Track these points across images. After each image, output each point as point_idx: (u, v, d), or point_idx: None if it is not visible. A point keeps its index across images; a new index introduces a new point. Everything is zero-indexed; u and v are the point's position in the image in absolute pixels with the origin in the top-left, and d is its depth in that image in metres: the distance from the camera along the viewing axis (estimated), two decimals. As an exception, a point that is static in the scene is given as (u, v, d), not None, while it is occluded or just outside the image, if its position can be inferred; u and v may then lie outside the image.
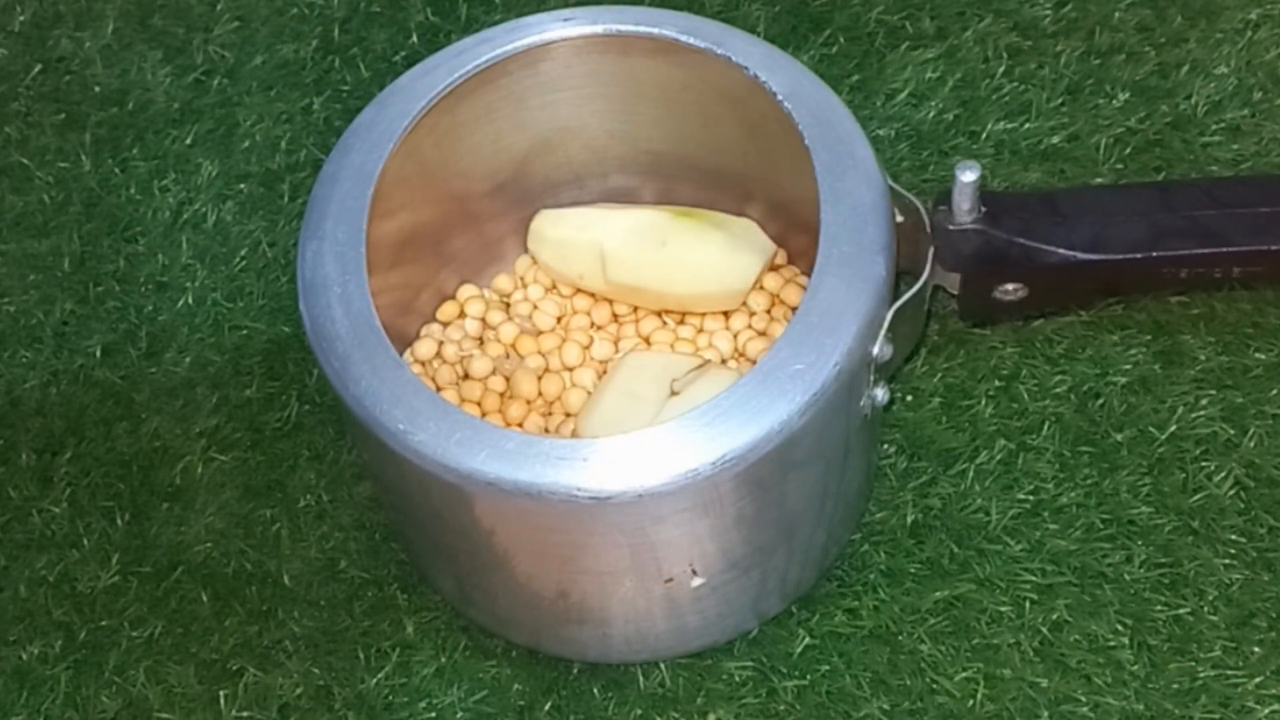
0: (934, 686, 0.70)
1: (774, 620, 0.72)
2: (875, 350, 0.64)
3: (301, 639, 0.73)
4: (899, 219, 0.68)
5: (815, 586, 0.72)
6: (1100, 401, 0.75)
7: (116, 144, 0.87)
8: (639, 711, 0.70)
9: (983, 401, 0.76)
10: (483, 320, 0.76)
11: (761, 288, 0.75)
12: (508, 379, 0.74)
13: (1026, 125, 0.83)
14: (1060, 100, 0.84)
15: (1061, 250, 0.72)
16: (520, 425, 0.73)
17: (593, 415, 0.71)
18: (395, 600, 0.73)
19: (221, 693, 0.72)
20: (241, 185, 0.85)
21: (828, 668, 0.70)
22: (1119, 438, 0.74)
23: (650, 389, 0.72)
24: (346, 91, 0.88)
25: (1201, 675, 0.69)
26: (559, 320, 0.76)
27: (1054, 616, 0.71)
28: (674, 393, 0.72)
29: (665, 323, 0.76)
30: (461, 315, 0.77)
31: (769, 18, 0.88)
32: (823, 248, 0.63)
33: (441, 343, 0.75)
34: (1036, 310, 0.77)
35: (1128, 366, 0.76)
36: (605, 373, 0.74)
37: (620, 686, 0.71)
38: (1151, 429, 0.74)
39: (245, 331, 0.81)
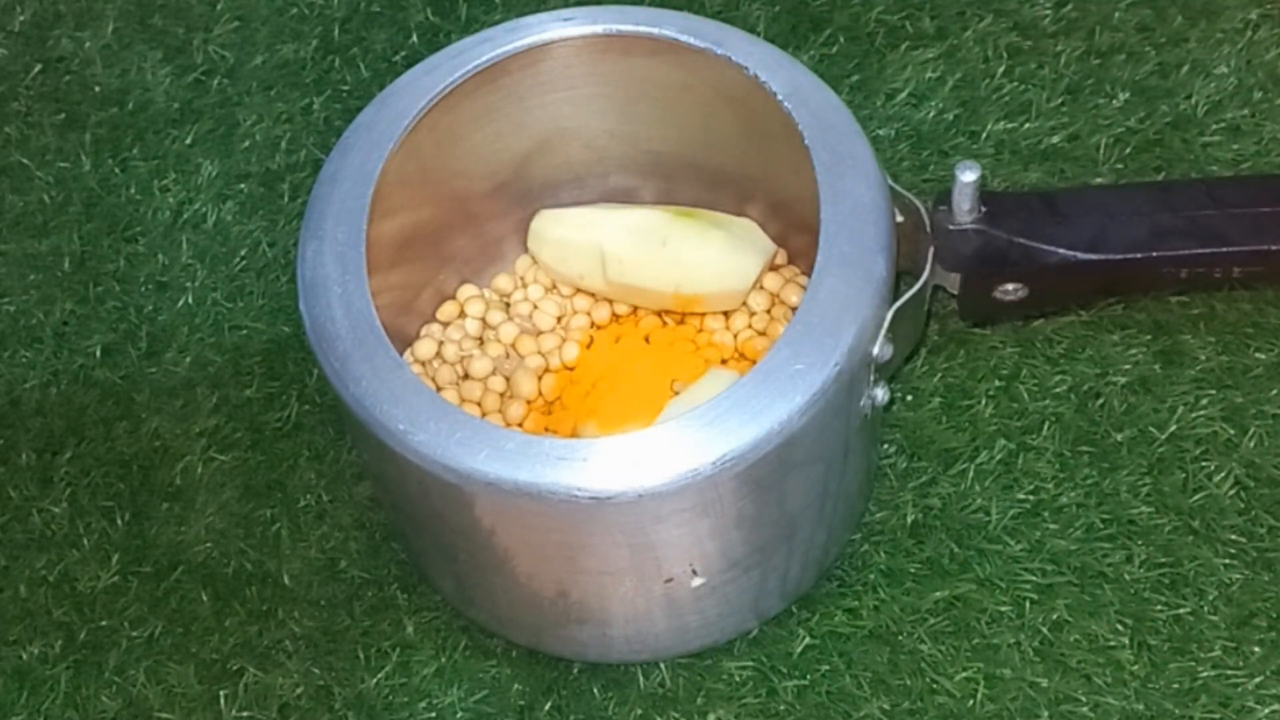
0: (934, 686, 0.70)
1: (774, 620, 0.72)
2: (875, 350, 0.64)
3: (301, 639, 0.73)
4: (899, 219, 0.68)
5: (815, 586, 0.72)
6: (1100, 401, 0.75)
7: (116, 144, 0.87)
8: (639, 711, 0.70)
9: (983, 401, 0.76)
10: (483, 320, 0.77)
11: (761, 288, 0.75)
12: (508, 379, 0.74)
13: (1026, 125, 0.83)
14: (1060, 100, 0.84)
15: (1061, 250, 0.72)
16: (520, 425, 0.73)
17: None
18: (395, 600, 0.73)
19: (221, 693, 0.72)
20: (241, 185, 0.85)
21: (828, 668, 0.70)
22: (1119, 438, 0.74)
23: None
24: (346, 91, 0.88)
25: (1201, 675, 0.69)
26: (559, 320, 0.76)
27: (1054, 616, 0.71)
28: (674, 393, 0.72)
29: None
30: (461, 315, 0.77)
31: (769, 18, 0.88)
32: (823, 248, 0.63)
33: (441, 343, 0.75)
34: (1036, 310, 0.77)
35: (1128, 366, 0.76)
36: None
37: (620, 686, 0.71)
38: (1151, 429, 0.74)
39: (245, 331, 0.81)
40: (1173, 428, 0.74)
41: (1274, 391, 0.75)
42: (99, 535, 0.76)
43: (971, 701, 0.69)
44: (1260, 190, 0.76)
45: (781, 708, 0.70)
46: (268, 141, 0.86)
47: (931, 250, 0.71)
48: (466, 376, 0.74)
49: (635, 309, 0.76)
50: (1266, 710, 0.68)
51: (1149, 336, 0.77)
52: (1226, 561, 0.71)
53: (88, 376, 0.80)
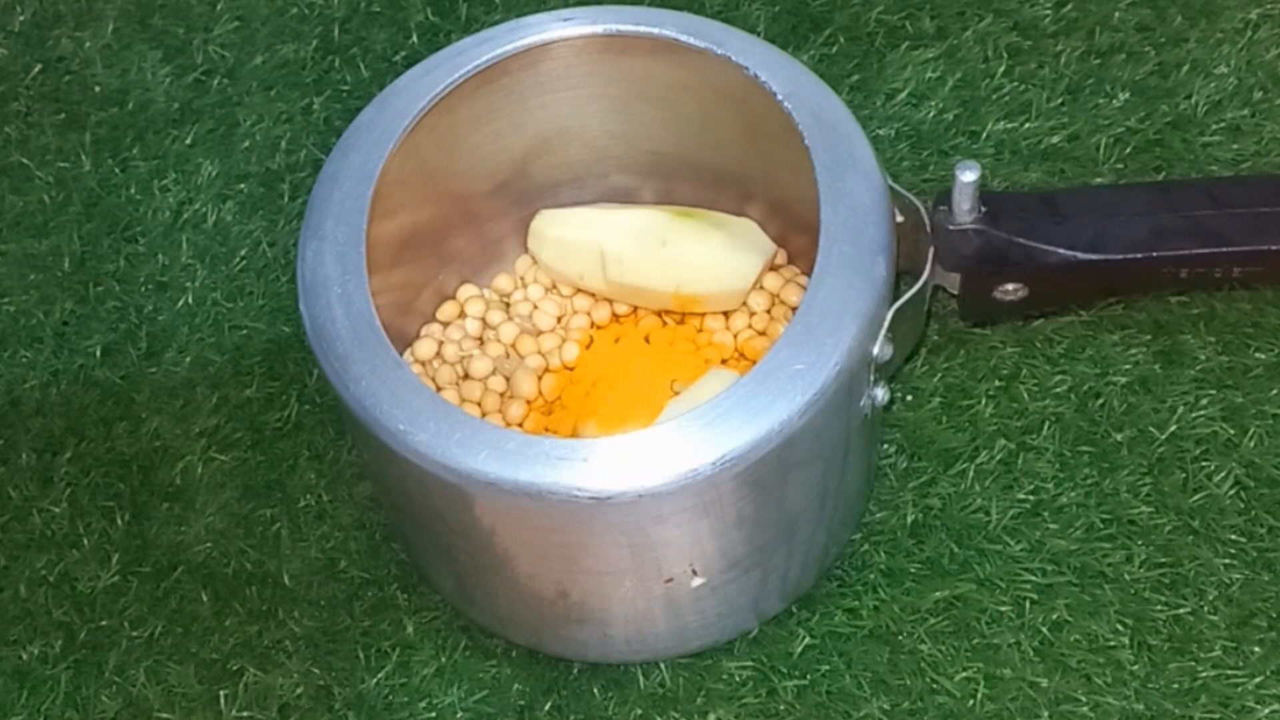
0: (934, 686, 0.70)
1: (774, 620, 0.72)
2: (875, 350, 0.64)
3: (301, 639, 0.73)
4: (899, 219, 0.68)
5: (815, 586, 0.72)
6: (1100, 401, 0.75)
7: (116, 144, 0.87)
8: (639, 711, 0.70)
9: (983, 401, 0.76)
10: (483, 320, 0.76)
11: (761, 288, 0.75)
12: (508, 379, 0.74)
13: (1026, 125, 0.83)
14: (1060, 100, 0.84)
15: (1061, 250, 0.72)
16: (520, 425, 0.73)
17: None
18: (395, 600, 0.73)
19: (221, 693, 0.72)
20: (241, 185, 0.85)
21: (828, 668, 0.70)
22: (1119, 438, 0.74)
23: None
24: (346, 91, 0.88)
25: (1201, 675, 0.69)
26: (559, 320, 0.76)
27: (1054, 616, 0.71)
28: (674, 393, 0.72)
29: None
30: (461, 315, 0.77)
31: (769, 18, 0.88)
32: (823, 248, 0.63)
33: (441, 343, 0.75)
34: (1036, 310, 0.77)
35: (1128, 366, 0.76)
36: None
37: (620, 686, 0.71)
38: (1151, 429, 0.74)
39: (245, 331, 0.81)
40: (1173, 428, 0.74)
41: (1274, 391, 0.75)
42: (99, 535, 0.76)
43: (971, 701, 0.69)
44: (1260, 190, 0.76)
45: (781, 708, 0.70)
46: (268, 141, 0.86)
47: (931, 250, 0.71)
48: (466, 376, 0.74)
49: (635, 309, 0.76)
50: (1266, 710, 0.68)
51: (1149, 336, 0.77)
52: (1226, 561, 0.71)
53: (88, 376, 0.80)
